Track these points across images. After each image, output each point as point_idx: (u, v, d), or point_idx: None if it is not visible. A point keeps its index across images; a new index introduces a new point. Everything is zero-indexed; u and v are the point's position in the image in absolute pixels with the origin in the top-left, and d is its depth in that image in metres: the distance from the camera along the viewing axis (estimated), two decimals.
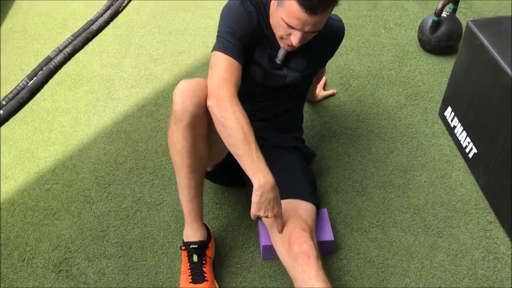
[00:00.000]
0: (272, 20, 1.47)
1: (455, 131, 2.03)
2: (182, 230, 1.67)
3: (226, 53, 1.44)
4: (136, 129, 2.13)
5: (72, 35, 2.60)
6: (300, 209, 1.54)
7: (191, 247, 1.54)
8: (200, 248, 1.54)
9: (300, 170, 1.68)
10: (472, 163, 1.92)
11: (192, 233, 1.55)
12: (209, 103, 1.40)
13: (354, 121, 2.18)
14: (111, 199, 1.84)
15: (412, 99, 2.29)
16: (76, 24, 2.74)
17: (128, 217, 1.78)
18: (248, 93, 1.67)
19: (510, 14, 2.79)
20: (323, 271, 1.38)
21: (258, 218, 1.44)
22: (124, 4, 2.87)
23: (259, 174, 1.35)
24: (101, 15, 2.75)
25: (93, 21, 2.70)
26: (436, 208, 1.82)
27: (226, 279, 1.61)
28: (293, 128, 1.83)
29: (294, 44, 1.41)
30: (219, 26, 1.49)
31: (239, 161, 1.39)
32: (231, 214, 1.80)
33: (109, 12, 2.76)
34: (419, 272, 1.62)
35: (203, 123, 1.45)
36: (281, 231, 1.46)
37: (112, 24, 2.76)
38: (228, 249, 1.69)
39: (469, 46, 1.89)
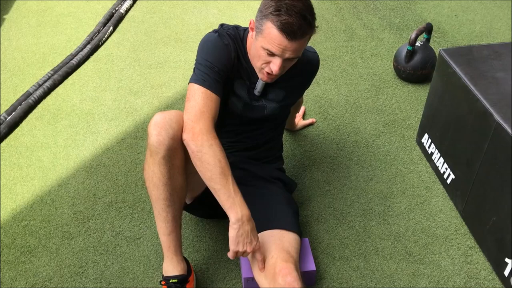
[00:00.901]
0: (251, 52, 1.50)
1: (433, 157, 2.06)
2: (162, 264, 1.66)
3: (203, 86, 1.45)
4: (116, 162, 2.11)
5: (52, 70, 2.60)
6: (284, 240, 1.53)
7: (171, 281, 1.51)
8: (180, 282, 1.51)
9: (283, 200, 1.68)
10: (450, 189, 1.94)
11: (171, 267, 1.53)
12: (184, 136, 1.40)
13: (333, 149, 2.20)
14: (90, 234, 1.81)
15: (390, 126, 2.32)
16: (56, 58, 2.75)
17: (107, 252, 1.75)
18: (228, 125, 1.68)
19: (481, 42, 2.88)
20: None
21: (237, 256, 1.42)
22: (104, 38, 2.89)
23: (236, 208, 1.36)
24: (81, 49, 2.77)
25: (73, 56, 2.71)
26: (416, 234, 1.82)
27: None
28: (274, 158, 1.83)
29: (274, 72, 1.43)
30: (197, 58, 1.51)
31: (215, 195, 1.39)
32: (212, 246, 1.78)
33: (89, 46, 2.78)
34: None
35: (179, 155, 1.45)
36: (262, 268, 1.45)
37: (92, 58, 2.78)
38: (209, 282, 1.66)
39: (442, 74, 1.94)
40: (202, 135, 1.38)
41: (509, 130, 1.54)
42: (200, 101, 1.44)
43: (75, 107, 2.42)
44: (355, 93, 2.52)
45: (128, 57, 2.79)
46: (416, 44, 2.52)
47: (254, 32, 1.44)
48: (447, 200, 1.95)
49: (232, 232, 1.38)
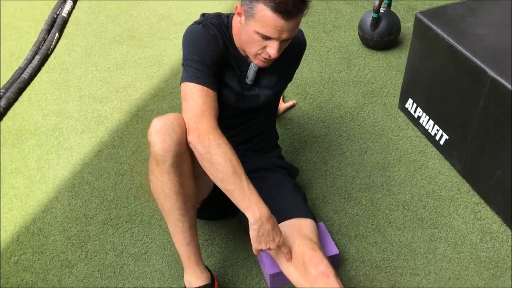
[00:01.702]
0: (241, 38, 1.41)
1: (420, 121, 2.07)
2: (177, 275, 1.58)
3: (198, 83, 1.36)
4: (99, 176, 1.97)
5: (2, 88, 2.38)
6: (303, 228, 1.48)
7: None
8: None
9: (291, 187, 1.63)
10: (445, 150, 1.96)
11: (195, 279, 1.44)
12: (190, 138, 1.31)
13: (321, 128, 2.16)
14: (91, 258, 1.68)
15: (370, 96, 2.31)
16: (4, 75, 2.52)
17: (115, 273, 1.63)
18: (223, 119, 1.59)
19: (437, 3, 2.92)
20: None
21: (261, 251, 1.36)
22: (52, 46, 2.68)
23: (253, 208, 1.29)
24: (30, 61, 2.55)
25: (22, 69, 2.49)
26: (423, 200, 1.83)
27: None
28: (271, 147, 1.77)
29: (272, 56, 1.35)
30: (185, 54, 1.40)
31: (229, 196, 1.32)
32: (225, 248, 1.70)
33: (38, 57, 2.57)
34: (426, 268, 1.61)
35: (187, 160, 1.36)
36: (289, 259, 1.40)
37: (44, 69, 2.56)
38: (231, 286, 1.59)
39: (422, 37, 1.94)
40: (208, 135, 1.29)
41: (506, 83, 1.56)
42: (198, 100, 1.34)
43: (39, 124, 2.22)
44: (327, 68, 2.49)
45: (83, 63, 2.60)
46: (380, 11, 2.51)
47: (243, 17, 1.36)
48: (443, 161, 1.97)
49: (252, 233, 1.31)
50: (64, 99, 2.37)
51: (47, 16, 2.91)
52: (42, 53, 2.60)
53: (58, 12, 2.94)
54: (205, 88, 1.36)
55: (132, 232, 1.76)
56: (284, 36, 1.32)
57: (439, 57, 1.86)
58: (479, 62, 1.64)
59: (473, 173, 1.83)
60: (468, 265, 1.61)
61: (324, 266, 1.36)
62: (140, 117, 2.25)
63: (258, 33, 1.32)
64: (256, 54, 1.40)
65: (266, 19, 1.28)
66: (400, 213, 1.79)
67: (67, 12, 2.98)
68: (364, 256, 1.66)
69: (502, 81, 1.57)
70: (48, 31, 2.78)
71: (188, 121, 1.32)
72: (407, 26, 2.75)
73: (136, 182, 1.94)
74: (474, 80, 1.68)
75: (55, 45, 2.73)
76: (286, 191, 1.61)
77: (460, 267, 1.61)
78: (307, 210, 1.55)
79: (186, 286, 1.46)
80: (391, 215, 1.78)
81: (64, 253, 1.70)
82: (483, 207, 1.79)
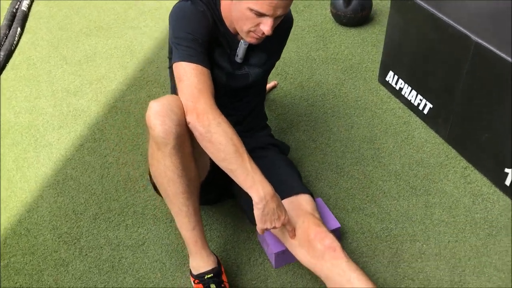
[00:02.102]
0: (234, 15, 1.38)
1: (402, 92, 2.10)
2: (179, 263, 1.55)
3: (192, 62, 1.32)
4: (83, 171, 1.90)
5: None
6: (303, 204, 1.47)
7: (206, 278, 1.40)
8: (216, 275, 1.41)
9: (285, 164, 1.62)
10: (429, 118, 1.99)
11: (202, 263, 1.41)
12: (189, 119, 1.27)
13: (305, 106, 2.15)
14: (86, 254, 1.61)
15: (349, 73, 2.32)
16: None
17: (113, 267, 1.58)
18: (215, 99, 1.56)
19: None
20: (351, 259, 1.33)
21: (267, 230, 1.35)
22: (15, 42, 2.56)
23: (257, 186, 1.26)
24: None
25: None
26: (413, 168, 1.86)
27: None
28: (262, 126, 1.75)
29: (266, 33, 1.33)
30: (174, 32, 1.36)
31: (232, 176, 1.29)
32: (224, 232, 1.67)
33: (1, 53, 2.44)
34: (425, 233, 1.64)
35: (187, 142, 1.32)
36: (293, 236, 1.39)
37: (9, 65, 2.44)
38: (235, 268, 1.57)
39: (401, 9, 1.96)
40: (207, 114, 1.25)
41: (490, 47, 1.59)
42: (194, 79, 1.30)
43: (12, 123, 2.12)
44: (304, 47, 2.48)
45: (51, 57, 2.50)
46: None
47: None
48: (428, 129, 2.01)
49: (257, 212, 1.28)
50: (36, 95, 2.26)
51: (6, 11, 2.77)
52: (6, 49, 2.47)
53: (17, 7, 2.81)
54: (199, 67, 1.32)
55: (126, 225, 1.71)
56: (279, 12, 1.29)
57: (420, 27, 1.89)
58: (461, 28, 1.67)
59: (460, 139, 1.87)
60: (464, 228, 1.65)
61: (330, 240, 1.35)
62: (119, 108, 2.18)
63: (252, 10, 1.29)
64: (249, 31, 1.37)
65: None
66: (393, 183, 1.81)
67: (27, 6, 2.85)
68: (363, 227, 1.67)
69: (486, 44, 1.60)
70: (9, 26, 2.65)
71: (185, 102, 1.28)
72: (378, 1, 2.78)
73: (124, 173, 1.88)
74: (457, 46, 1.71)
75: (18, 40, 2.60)
76: (282, 169, 1.59)
77: (457, 230, 1.64)
78: (304, 187, 1.55)
79: (193, 272, 1.43)
80: (385, 185, 1.80)
81: (57, 251, 1.63)
82: (472, 171, 1.83)
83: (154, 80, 2.33)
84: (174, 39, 1.35)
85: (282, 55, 2.35)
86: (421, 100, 2.00)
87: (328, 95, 2.20)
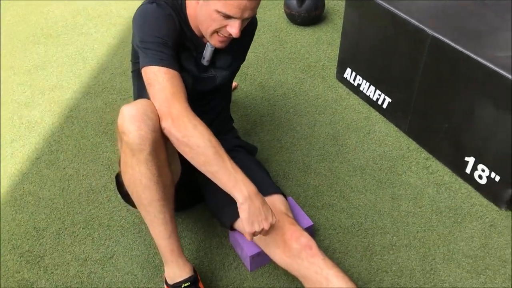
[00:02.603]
0: (200, 17, 1.35)
1: (361, 88, 2.13)
2: (151, 274, 1.52)
3: (163, 66, 1.28)
4: (42, 185, 1.81)
5: None
6: (276, 204, 1.46)
7: (183, 286, 1.36)
8: (193, 283, 1.37)
9: (255, 166, 1.61)
10: (389, 112, 2.04)
11: (179, 272, 1.37)
12: (164, 125, 1.23)
13: (266, 106, 2.15)
14: (52, 272, 1.54)
15: (307, 71, 2.34)
16: None
17: (83, 284, 1.51)
18: None
19: None
20: (327, 256, 1.34)
21: (255, 235, 1.30)
22: None
23: (240, 186, 1.24)
24: None
25: None
26: (377, 162, 1.89)
27: None
28: (228, 129, 1.73)
29: (235, 35, 1.31)
30: (141, 36, 1.31)
31: (213, 178, 1.26)
32: (195, 238, 1.64)
33: None
34: (394, 225, 1.67)
35: (162, 147, 1.29)
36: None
37: None
38: (210, 274, 1.54)
39: (356, 7, 1.99)
40: (182, 118, 1.22)
41: (445, 39, 1.64)
42: (165, 83, 1.26)
43: None
44: (261, 48, 2.48)
45: None
46: None
47: None
48: (388, 123, 2.05)
49: (243, 214, 1.25)
50: None
51: None
52: None
53: None
54: (171, 70, 1.28)
55: (93, 238, 1.64)
56: (247, 15, 1.28)
57: (376, 24, 1.92)
58: (417, 23, 1.72)
59: (419, 131, 1.92)
60: (431, 217, 1.69)
61: (306, 239, 1.35)
62: (75, 118, 2.10)
63: (219, 12, 1.27)
64: (213, 33, 1.35)
65: None
66: (359, 177, 1.83)
67: None
68: (334, 223, 1.68)
69: (442, 37, 1.65)
70: None
71: (159, 107, 1.24)
72: (329, 0, 2.82)
73: (85, 185, 1.81)
74: (414, 41, 1.76)
75: None
76: (253, 171, 1.57)
77: (424, 220, 1.68)
78: (276, 187, 1.54)
79: (169, 282, 1.39)
80: (351, 180, 1.82)
81: (19, 272, 1.54)
82: (433, 161, 1.88)
83: (110, 87, 2.26)
84: (141, 43, 1.31)
85: None
86: (379, 95, 2.04)
87: (288, 94, 2.21)
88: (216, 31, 1.34)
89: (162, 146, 1.27)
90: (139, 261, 1.57)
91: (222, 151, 1.24)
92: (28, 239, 1.64)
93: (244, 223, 1.26)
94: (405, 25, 1.77)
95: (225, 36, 1.35)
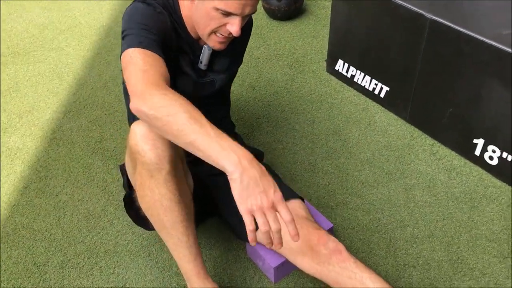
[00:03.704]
0: (197, 17, 1.26)
1: (355, 79, 2.08)
2: None
3: (140, 47, 1.13)
4: (35, 216, 1.67)
5: None
6: (297, 209, 1.39)
7: None
8: None
9: (269, 171, 1.53)
10: (387, 101, 1.99)
11: None
12: (133, 105, 1.02)
13: (261, 107, 2.07)
14: None
15: (296, 67, 2.27)
16: None
17: None
18: None
19: None
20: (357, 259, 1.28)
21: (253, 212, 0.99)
22: None
23: (226, 151, 0.95)
24: None
25: None
26: (383, 153, 1.84)
27: None
28: (232, 136, 1.64)
29: (235, 34, 1.23)
30: (125, 26, 1.19)
31: (195, 152, 0.99)
32: (210, 254, 1.55)
33: None
34: (412, 217, 1.62)
35: (181, 164, 1.21)
36: (297, 237, 1.06)
37: None
38: None
39: None
40: (149, 90, 1.02)
41: (445, 22, 1.60)
42: (139, 62, 1.09)
43: None
44: None
45: None
46: None
47: None
48: (388, 113, 2.01)
49: (235, 188, 0.94)
50: None
51: None
52: None
53: None
54: (149, 51, 1.12)
55: (100, 267, 1.53)
56: (247, 11, 1.20)
57: (368, 12, 1.87)
58: (415, 8, 1.67)
59: (422, 117, 1.88)
60: (447, 204, 1.65)
61: (334, 243, 1.29)
62: (59, 140, 1.96)
63: (218, 9, 1.18)
64: (211, 33, 1.26)
65: None
66: (368, 171, 1.78)
67: None
68: (352, 222, 1.62)
69: (441, 20, 1.61)
70: None
71: (131, 89, 1.06)
72: None
73: (83, 211, 1.69)
74: (412, 26, 1.71)
75: None
76: None
77: (441, 208, 1.64)
78: (293, 192, 1.47)
79: None
80: (361, 175, 1.77)
81: None
82: (439, 147, 1.85)
83: (92, 103, 2.13)
84: (123, 34, 1.18)
85: None
86: (376, 84, 1.99)
87: (281, 93, 2.13)
88: (214, 31, 1.25)
89: (180, 163, 1.18)
90: (155, 287, 1.47)
91: (199, 116, 1.00)
92: (29, 276, 1.51)
93: (237, 201, 0.95)
94: (400, 11, 1.72)
95: (225, 36, 1.26)
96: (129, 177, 1.38)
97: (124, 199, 1.43)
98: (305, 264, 1.31)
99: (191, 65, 1.38)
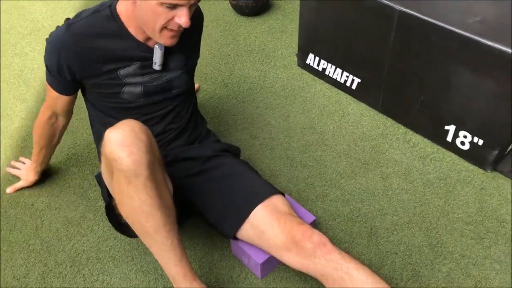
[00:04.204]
0: (142, 17, 1.27)
1: (326, 72, 2.11)
2: None
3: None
4: (12, 228, 1.63)
5: None
6: (279, 205, 1.40)
7: None
8: None
9: (247, 169, 1.53)
10: (359, 93, 2.02)
11: None
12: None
13: (235, 104, 2.07)
14: None
15: (267, 62, 2.28)
16: None
17: None
18: (146, 120, 1.43)
19: None
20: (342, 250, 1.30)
21: None
22: None
23: None
24: None
25: None
26: (359, 144, 1.88)
27: None
28: (206, 133, 1.63)
29: (185, 25, 1.24)
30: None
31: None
32: (195, 254, 1.54)
33: None
34: (391, 205, 1.66)
35: (158, 168, 1.20)
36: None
37: None
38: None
39: None
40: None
41: (413, 12, 1.64)
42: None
43: None
44: (214, 44, 2.39)
45: None
46: None
47: None
48: (360, 104, 2.04)
49: None
50: None
51: None
52: None
53: None
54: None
55: (83, 275, 1.50)
56: (193, 0, 1.21)
57: (339, 5, 1.89)
58: (384, 0, 1.70)
59: (393, 107, 1.92)
60: (424, 190, 1.70)
61: (318, 236, 1.30)
62: (30, 148, 1.90)
63: (163, 3, 1.20)
64: (162, 29, 1.27)
65: None
66: (345, 162, 1.81)
67: None
68: (333, 213, 1.64)
69: (410, 11, 1.64)
70: None
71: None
72: None
73: (61, 219, 1.65)
74: (381, 18, 1.74)
75: None
76: (246, 174, 1.51)
77: (418, 194, 1.69)
78: (274, 187, 1.48)
79: None
80: (338, 167, 1.80)
81: None
82: (412, 135, 1.89)
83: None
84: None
85: None
86: (347, 76, 2.02)
87: (254, 89, 2.14)
88: (164, 27, 1.26)
89: (158, 167, 1.17)
90: None
91: None
92: None
93: None
94: (369, 3, 1.75)
95: (175, 30, 1.28)
96: (107, 185, 1.36)
97: (105, 207, 1.41)
98: (291, 259, 1.32)
99: (139, 71, 1.39)
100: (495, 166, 1.72)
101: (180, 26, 1.25)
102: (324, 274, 1.28)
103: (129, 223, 1.21)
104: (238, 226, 1.39)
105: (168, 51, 1.39)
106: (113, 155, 1.10)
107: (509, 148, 1.70)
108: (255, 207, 1.38)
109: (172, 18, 1.24)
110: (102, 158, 1.22)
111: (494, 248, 1.51)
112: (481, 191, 1.68)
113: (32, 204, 1.71)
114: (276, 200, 1.42)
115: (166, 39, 1.30)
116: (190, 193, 1.47)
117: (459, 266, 1.47)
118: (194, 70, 1.59)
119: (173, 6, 1.20)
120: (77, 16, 1.35)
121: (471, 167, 1.76)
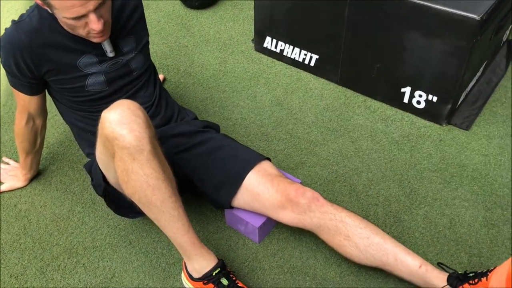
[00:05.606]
0: (66, 27, 1.33)
1: (285, 53, 2.22)
2: (164, 278, 1.48)
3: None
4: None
5: None
6: (268, 169, 1.49)
7: (214, 274, 1.33)
8: (223, 268, 1.35)
9: (233, 141, 1.60)
10: (317, 69, 2.16)
11: (205, 262, 1.33)
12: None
13: (201, 91, 2.13)
14: None
15: (225, 50, 2.36)
16: None
17: None
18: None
19: None
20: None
21: None
22: None
23: None
24: None
25: None
26: (325, 115, 2.00)
27: (250, 283, 1.47)
28: (182, 112, 1.67)
29: (97, 29, 1.27)
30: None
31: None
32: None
33: None
34: (364, 163, 1.79)
35: (157, 141, 1.24)
36: None
37: None
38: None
39: None
40: None
41: None
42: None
43: None
44: (169, 37, 2.44)
45: None
46: None
47: (48, 9, 1.29)
48: (319, 79, 2.17)
49: None
50: None
51: None
52: None
53: None
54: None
55: (83, 264, 1.51)
56: (92, 6, 1.23)
57: None
58: None
59: (351, 78, 2.06)
60: (391, 148, 1.85)
61: (310, 192, 1.41)
62: (3, 152, 1.87)
63: (69, 18, 1.25)
64: (88, 34, 1.32)
65: (63, 4, 1.21)
66: (316, 132, 1.93)
67: None
68: (314, 177, 1.76)
69: None
70: None
71: None
72: None
73: (48, 215, 1.65)
74: None
75: None
76: (233, 145, 1.57)
77: (386, 151, 1.84)
78: (260, 154, 1.56)
79: (195, 276, 1.34)
80: (310, 136, 1.91)
81: None
82: (371, 102, 2.05)
83: None
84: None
85: (152, 50, 2.29)
86: (305, 54, 2.15)
87: (217, 75, 2.21)
88: (87, 32, 1.31)
89: (156, 141, 1.23)
90: (145, 270, 1.49)
91: None
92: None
93: None
94: None
95: (97, 31, 1.30)
96: (103, 169, 1.38)
97: (103, 193, 1.42)
98: (287, 216, 1.42)
99: (96, 60, 1.44)
100: (449, 120, 1.91)
101: (98, 27, 1.27)
102: (320, 225, 1.39)
103: (135, 200, 1.24)
104: (234, 192, 1.46)
105: (115, 37, 1.44)
106: (114, 134, 1.14)
107: (459, 101, 1.90)
108: (248, 173, 1.46)
109: (87, 24, 1.27)
110: (100, 141, 1.25)
111: (461, 189, 1.69)
112: (440, 142, 1.86)
113: (15, 205, 1.68)
114: (265, 165, 1.50)
115: (96, 39, 1.34)
116: (183, 169, 1.52)
117: (433, 208, 1.63)
118: (148, 49, 1.62)
119: (77, 18, 1.24)
120: (21, 16, 1.38)
121: (428, 123, 1.94)
